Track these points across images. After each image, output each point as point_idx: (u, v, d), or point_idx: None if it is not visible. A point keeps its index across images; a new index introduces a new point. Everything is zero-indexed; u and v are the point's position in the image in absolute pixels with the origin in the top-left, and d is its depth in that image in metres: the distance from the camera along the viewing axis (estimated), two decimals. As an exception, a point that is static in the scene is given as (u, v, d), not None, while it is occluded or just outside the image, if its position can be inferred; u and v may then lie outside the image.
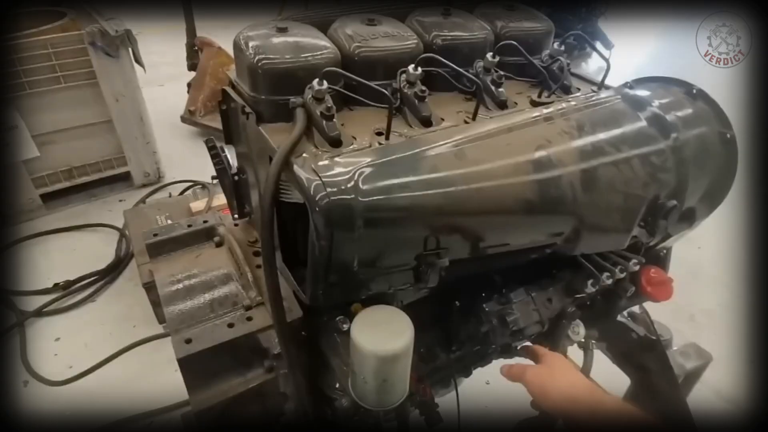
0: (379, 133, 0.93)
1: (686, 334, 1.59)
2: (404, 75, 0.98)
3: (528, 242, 1.00)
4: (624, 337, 1.39)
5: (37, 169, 2.87)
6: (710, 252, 2.80)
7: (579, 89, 1.19)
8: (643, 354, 1.38)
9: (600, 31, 5.70)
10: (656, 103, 1.11)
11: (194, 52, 3.85)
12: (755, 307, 2.47)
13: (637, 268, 1.13)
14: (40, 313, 2.36)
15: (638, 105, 1.10)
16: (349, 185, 0.78)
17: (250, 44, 0.94)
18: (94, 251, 2.73)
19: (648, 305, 1.35)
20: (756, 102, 3.80)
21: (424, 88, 0.97)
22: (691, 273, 2.66)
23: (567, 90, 1.16)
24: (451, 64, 1.00)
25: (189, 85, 3.91)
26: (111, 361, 2.12)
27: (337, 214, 0.76)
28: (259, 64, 0.92)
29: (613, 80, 1.21)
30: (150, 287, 2.05)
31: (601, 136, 1.02)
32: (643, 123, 1.06)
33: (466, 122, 1.00)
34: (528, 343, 1.15)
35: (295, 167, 0.81)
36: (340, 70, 0.92)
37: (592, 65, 5.06)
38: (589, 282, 1.09)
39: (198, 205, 2.55)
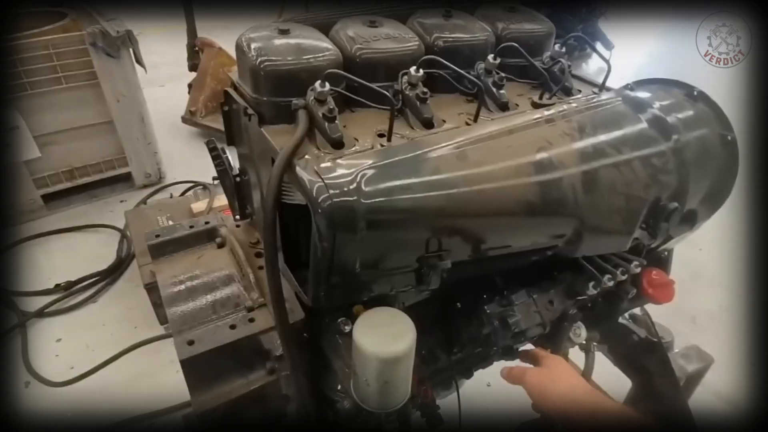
0: (381, 135, 0.93)
1: (687, 335, 1.59)
2: (406, 77, 0.98)
3: (529, 244, 1.00)
4: (625, 340, 1.39)
5: (38, 169, 2.87)
6: (711, 253, 2.80)
7: (580, 91, 1.19)
8: (645, 356, 1.37)
9: (600, 31, 5.70)
10: (657, 104, 1.11)
11: (195, 53, 3.85)
12: (756, 308, 2.47)
13: (638, 270, 1.13)
14: (41, 313, 2.36)
15: (639, 107, 1.11)
16: (351, 187, 0.78)
17: (253, 46, 0.95)
18: (95, 252, 2.73)
19: (649, 307, 1.35)
20: (756, 102, 3.80)
21: (425, 89, 0.97)
22: (692, 274, 2.66)
23: (568, 92, 1.17)
24: (452, 65, 1.00)
25: (190, 85, 3.91)
26: (112, 363, 2.12)
27: (339, 215, 0.76)
28: (262, 65, 0.92)
29: (614, 80, 1.21)
30: (151, 288, 2.06)
31: (602, 137, 1.02)
32: (643, 125, 1.07)
33: (467, 124, 1.01)
34: (528, 347, 1.15)
35: (298, 169, 0.81)
36: (342, 72, 0.92)
37: (592, 66, 5.06)
38: (591, 284, 1.09)
39: (199, 205, 2.55)
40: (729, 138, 1.14)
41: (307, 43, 0.98)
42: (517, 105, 1.09)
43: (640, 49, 6.07)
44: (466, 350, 1.18)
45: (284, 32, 0.99)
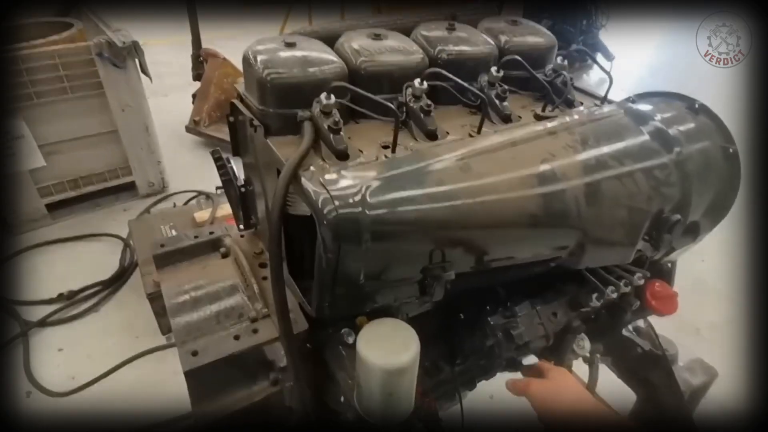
0: (385, 147, 0.94)
1: (691, 348, 1.58)
2: (410, 89, 0.99)
3: (532, 256, 1.01)
4: (629, 352, 1.38)
5: (43, 178, 2.89)
6: (714, 264, 2.79)
7: (582, 103, 1.20)
8: (649, 369, 1.37)
9: (601, 43, 5.75)
10: (659, 117, 1.12)
11: (199, 63, 3.89)
12: (760, 320, 2.45)
13: (641, 282, 1.13)
14: (43, 323, 2.36)
15: (641, 119, 1.11)
16: (356, 198, 0.78)
17: (259, 58, 0.96)
18: (98, 261, 2.74)
19: (652, 318, 1.35)
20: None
21: (429, 102, 0.98)
22: (695, 286, 2.65)
23: (570, 104, 1.18)
24: (455, 78, 1.01)
25: (194, 95, 3.95)
26: (113, 373, 2.11)
27: (344, 227, 0.77)
28: (268, 78, 0.93)
29: (614, 90, 1.22)
30: (154, 297, 2.05)
31: (605, 149, 1.02)
32: (645, 137, 1.07)
33: (471, 136, 1.01)
34: (531, 361, 1.14)
35: (303, 180, 0.81)
36: (348, 85, 0.93)
37: (593, 77, 5.10)
38: (594, 296, 1.09)
39: (202, 214, 2.55)
40: (731, 150, 1.15)
41: (312, 56, 0.99)
42: (520, 117, 1.10)
43: (640, 60, 6.10)
44: (469, 362, 1.18)
45: (290, 45, 1.00)
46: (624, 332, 1.36)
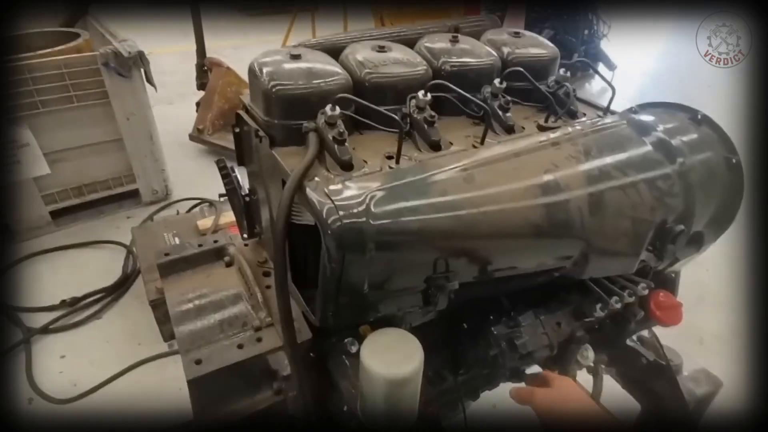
0: (389, 157, 0.95)
1: (696, 358, 1.58)
2: (414, 100, 1.00)
3: (536, 266, 1.01)
4: (634, 362, 1.37)
5: (47, 186, 2.90)
6: (717, 274, 2.78)
7: (585, 114, 1.21)
8: (653, 379, 1.36)
9: (602, 52, 5.77)
10: (661, 128, 1.13)
11: (204, 72, 3.92)
12: (764, 330, 2.44)
13: (645, 292, 1.13)
14: (46, 329, 2.36)
15: (643, 130, 1.12)
16: (360, 209, 0.79)
17: (265, 70, 0.97)
18: (101, 268, 2.74)
19: (656, 328, 1.34)
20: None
21: (433, 113, 0.99)
22: (699, 295, 2.64)
23: (573, 115, 1.18)
24: (459, 89, 1.02)
25: (198, 104, 3.98)
26: (116, 380, 2.11)
27: (348, 237, 0.77)
28: (273, 89, 0.94)
29: (616, 98, 1.23)
30: (156, 305, 2.05)
31: (608, 160, 1.03)
32: (648, 148, 1.08)
33: (474, 146, 1.02)
34: (535, 371, 1.14)
35: (308, 190, 0.82)
36: (352, 96, 0.94)
37: (595, 86, 5.11)
38: (598, 306, 1.09)
39: (205, 222, 2.55)
40: (734, 161, 1.15)
41: (317, 68, 1.00)
42: (523, 128, 1.11)
43: (642, 68, 6.12)
44: (472, 371, 1.18)
45: (295, 57, 1.01)
46: (628, 342, 1.35)
